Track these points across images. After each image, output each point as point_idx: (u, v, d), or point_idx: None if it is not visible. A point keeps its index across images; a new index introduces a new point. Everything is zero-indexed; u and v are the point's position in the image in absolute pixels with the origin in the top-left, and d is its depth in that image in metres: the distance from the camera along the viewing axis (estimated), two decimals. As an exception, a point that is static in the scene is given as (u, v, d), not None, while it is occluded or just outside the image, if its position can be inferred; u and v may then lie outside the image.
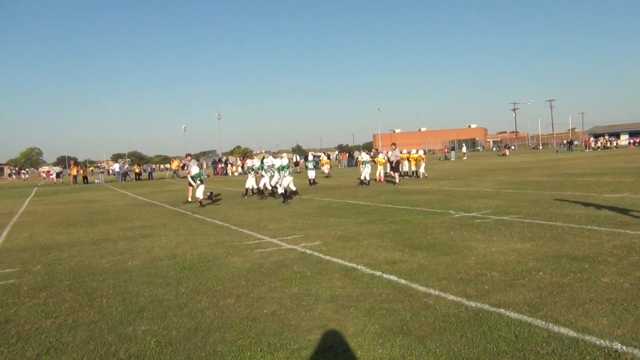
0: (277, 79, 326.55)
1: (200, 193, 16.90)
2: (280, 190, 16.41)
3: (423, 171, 26.13)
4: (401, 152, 26.33)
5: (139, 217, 14.77)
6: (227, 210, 15.22)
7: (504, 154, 58.78)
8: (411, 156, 27.24)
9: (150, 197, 23.07)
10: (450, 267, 6.62)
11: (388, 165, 26.67)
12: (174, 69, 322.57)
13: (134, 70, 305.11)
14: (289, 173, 16.79)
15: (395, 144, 24.07)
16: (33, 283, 7.01)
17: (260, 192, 19.03)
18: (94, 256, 8.83)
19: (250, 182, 19.65)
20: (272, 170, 18.22)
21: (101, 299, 6.05)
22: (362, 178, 22.76)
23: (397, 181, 22.18)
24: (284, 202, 15.95)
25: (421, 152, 26.97)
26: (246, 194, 19.77)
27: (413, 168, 26.75)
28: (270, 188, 18.78)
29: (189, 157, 19.94)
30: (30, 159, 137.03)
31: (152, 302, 5.82)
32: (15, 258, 8.97)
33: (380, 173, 24.80)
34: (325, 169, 34.70)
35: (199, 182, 17.04)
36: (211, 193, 19.24)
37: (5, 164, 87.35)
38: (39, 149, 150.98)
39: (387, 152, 28.03)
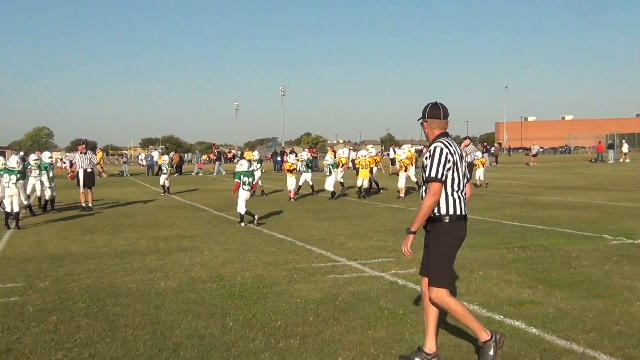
0: (360, 43, 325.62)
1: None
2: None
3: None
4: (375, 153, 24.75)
5: (175, 223, 15.27)
6: (292, 220, 15.41)
7: None
8: (397, 158, 24.38)
9: (189, 197, 23.70)
10: (603, 315, 6.43)
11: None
12: (224, 30, 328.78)
13: (168, 32, 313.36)
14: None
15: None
16: (40, 303, 7.40)
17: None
18: (117, 273, 9.16)
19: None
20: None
21: (125, 329, 6.30)
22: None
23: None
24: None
25: (408, 149, 25.12)
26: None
27: (413, 178, 23.37)
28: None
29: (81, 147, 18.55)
30: (38, 142, 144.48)
31: (191, 338, 5.99)
32: (18, 270, 9.49)
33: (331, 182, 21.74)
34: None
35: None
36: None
37: (7, 147, 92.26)
38: (48, 129, 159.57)
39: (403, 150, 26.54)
